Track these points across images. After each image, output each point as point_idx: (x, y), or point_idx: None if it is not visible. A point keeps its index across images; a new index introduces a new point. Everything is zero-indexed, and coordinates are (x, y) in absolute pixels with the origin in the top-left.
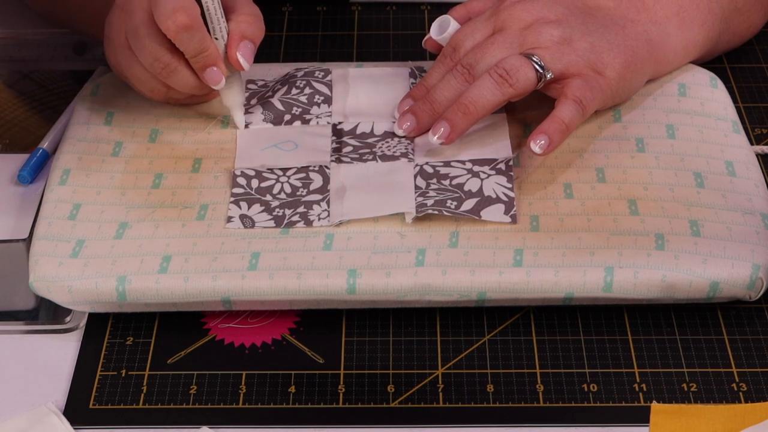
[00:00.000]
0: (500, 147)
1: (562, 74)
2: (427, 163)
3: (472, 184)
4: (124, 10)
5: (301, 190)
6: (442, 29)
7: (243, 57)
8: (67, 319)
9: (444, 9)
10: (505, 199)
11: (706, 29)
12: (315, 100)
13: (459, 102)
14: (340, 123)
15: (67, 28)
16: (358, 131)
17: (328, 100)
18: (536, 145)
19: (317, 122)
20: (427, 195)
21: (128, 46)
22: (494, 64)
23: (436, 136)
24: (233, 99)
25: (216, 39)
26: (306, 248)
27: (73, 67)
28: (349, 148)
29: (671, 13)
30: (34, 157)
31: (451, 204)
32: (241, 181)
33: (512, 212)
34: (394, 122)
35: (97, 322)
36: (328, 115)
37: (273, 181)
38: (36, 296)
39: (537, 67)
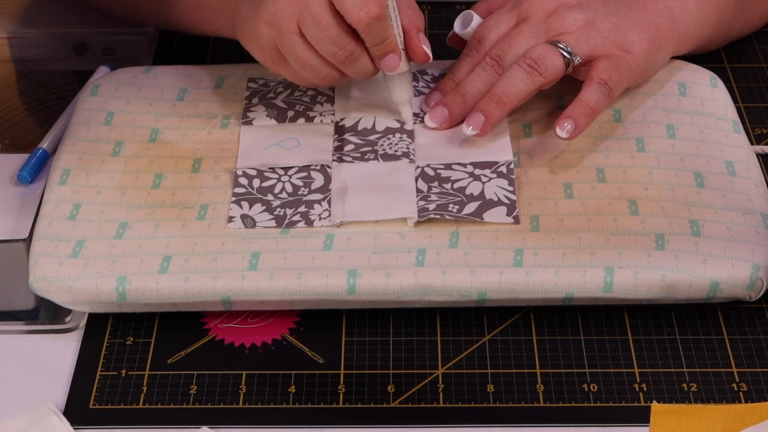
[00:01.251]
0: (501, 149)
1: (589, 57)
2: (428, 165)
3: (474, 188)
4: None
5: (302, 189)
6: (465, 24)
7: (427, 48)
8: (67, 319)
9: (444, 8)
10: (507, 202)
11: (720, 9)
12: (318, 99)
13: (492, 93)
14: (342, 120)
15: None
16: (360, 127)
17: (330, 100)
18: (562, 130)
19: (321, 120)
20: (429, 199)
21: (300, 33)
22: (522, 54)
23: (471, 127)
24: (404, 94)
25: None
26: (306, 248)
27: (73, 67)
28: (350, 146)
29: None
30: (34, 157)
31: (453, 208)
32: (243, 181)
33: (514, 214)
34: (396, 119)
35: (97, 322)
36: (332, 113)
37: (275, 181)
38: (36, 296)
39: (564, 53)
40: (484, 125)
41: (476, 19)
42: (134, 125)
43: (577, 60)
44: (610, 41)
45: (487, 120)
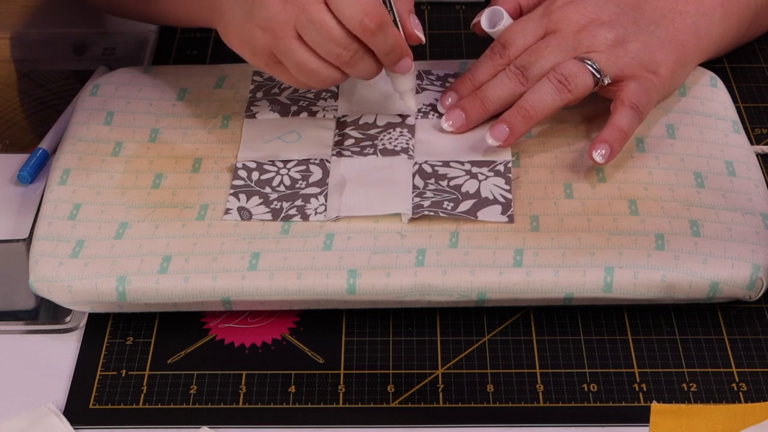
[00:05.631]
0: (500, 149)
1: (617, 77)
2: (426, 162)
3: (470, 186)
4: (289, 2)
5: (300, 182)
6: (492, 22)
7: (419, 31)
8: (67, 319)
9: (444, 8)
10: (503, 200)
11: (740, 21)
12: (322, 95)
13: (519, 105)
14: (344, 116)
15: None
16: (361, 121)
17: (334, 96)
18: (598, 154)
19: (324, 115)
20: (425, 196)
21: (298, 37)
22: (552, 69)
23: (494, 138)
24: (406, 84)
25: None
26: (306, 248)
27: (73, 67)
28: (350, 141)
29: (717, 3)
30: (34, 157)
31: (448, 205)
32: (242, 173)
33: (509, 213)
34: (397, 114)
35: (97, 322)
36: (334, 109)
37: (273, 174)
38: (36, 296)
39: (594, 71)
40: (508, 137)
41: (506, 19)
42: (134, 125)
43: (606, 81)
44: (637, 62)
45: (511, 132)
